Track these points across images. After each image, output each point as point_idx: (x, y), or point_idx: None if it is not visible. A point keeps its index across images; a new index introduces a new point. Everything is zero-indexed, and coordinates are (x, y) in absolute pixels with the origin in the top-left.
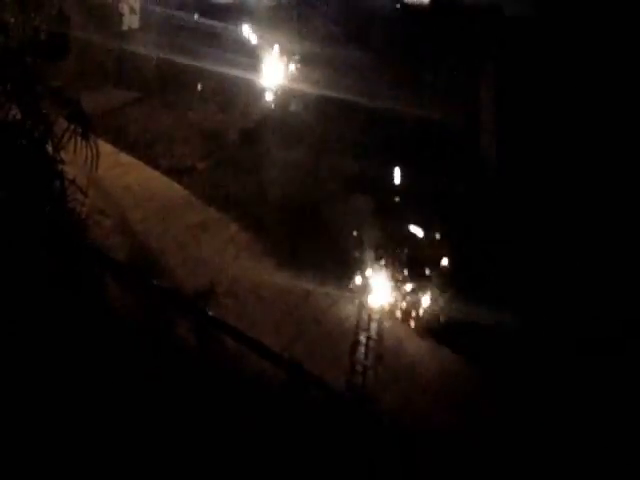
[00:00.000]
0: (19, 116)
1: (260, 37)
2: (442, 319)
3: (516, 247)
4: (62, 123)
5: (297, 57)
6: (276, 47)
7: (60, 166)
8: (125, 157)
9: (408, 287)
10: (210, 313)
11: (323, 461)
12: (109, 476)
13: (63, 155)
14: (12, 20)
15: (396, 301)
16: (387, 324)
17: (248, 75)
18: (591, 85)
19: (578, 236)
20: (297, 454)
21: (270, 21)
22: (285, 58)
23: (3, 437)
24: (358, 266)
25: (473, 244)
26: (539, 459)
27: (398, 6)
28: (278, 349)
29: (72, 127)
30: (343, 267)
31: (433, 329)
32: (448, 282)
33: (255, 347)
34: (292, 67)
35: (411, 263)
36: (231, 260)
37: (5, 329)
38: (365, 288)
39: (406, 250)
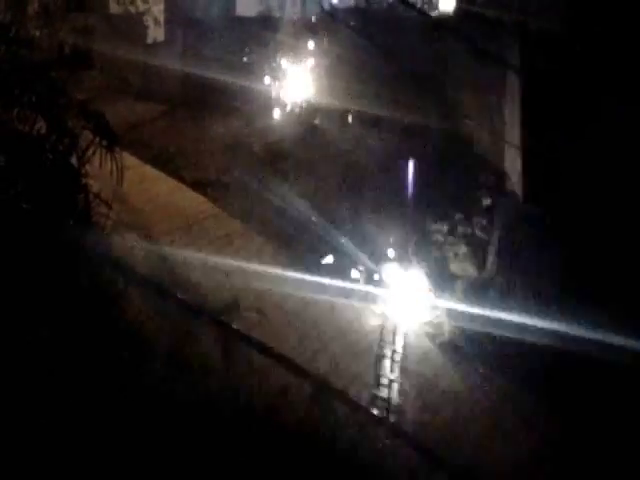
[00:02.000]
0: (44, 129)
1: (286, 50)
2: (467, 333)
3: (546, 265)
4: (87, 136)
5: (324, 71)
6: (302, 61)
7: (85, 179)
8: (150, 170)
9: (434, 300)
10: (235, 327)
11: (348, 476)
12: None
13: (88, 168)
14: (37, 34)
15: (422, 314)
16: (412, 337)
17: (274, 88)
18: (618, 102)
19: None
20: (322, 469)
21: (296, 34)
22: (311, 72)
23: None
24: (384, 279)
25: (501, 260)
26: None
27: (422, 20)
28: (302, 362)
29: (97, 140)
30: (369, 280)
31: (458, 343)
32: (475, 295)
33: (280, 360)
34: (318, 81)
35: (439, 276)
36: (256, 273)
37: (28, 342)
38: (391, 301)
39: (433, 263)
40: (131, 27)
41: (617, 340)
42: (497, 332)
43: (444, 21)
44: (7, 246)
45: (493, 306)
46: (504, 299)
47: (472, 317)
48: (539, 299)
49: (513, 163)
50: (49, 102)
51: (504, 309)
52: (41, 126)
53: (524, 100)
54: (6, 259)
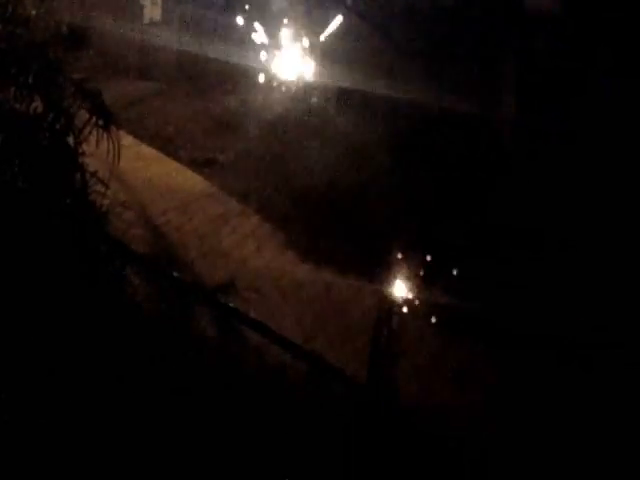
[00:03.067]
0: (41, 109)
1: (283, 30)
2: (465, 311)
3: (536, 235)
4: (83, 115)
5: (319, 50)
6: (299, 40)
7: (81, 158)
8: (146, 149)
9: (431, 279)
10: (231, 305)
11: (343, 454)
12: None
13: (84, 147)
14: (33, 13)
15: (419, 293)
16: (409, 316)
17: (270, 68)
18: (612, 82)
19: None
20: (317, 447)
21: (294, 14)
22: (307, 51)
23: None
24: (381, 258)
25: (495, 233)
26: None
27: None
28: (299, 342)
29: (93, 119)
30: (366, 259)
31: (455, 321)
32: (472, 273)
33: (276, 340)
34: (314, 60)
35: (434, 255)
36: (253, 252)
37: (24, 321)
38: (388, 280)
39: (429, 242)
40: (128, 7)
41: None
42: None
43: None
44: (3, 225)
45: None
46: None
47: None
48: None
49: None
50: (46, 81)
51: None
52: (37, 105)
53: (519, 77)
54: (2, 238)
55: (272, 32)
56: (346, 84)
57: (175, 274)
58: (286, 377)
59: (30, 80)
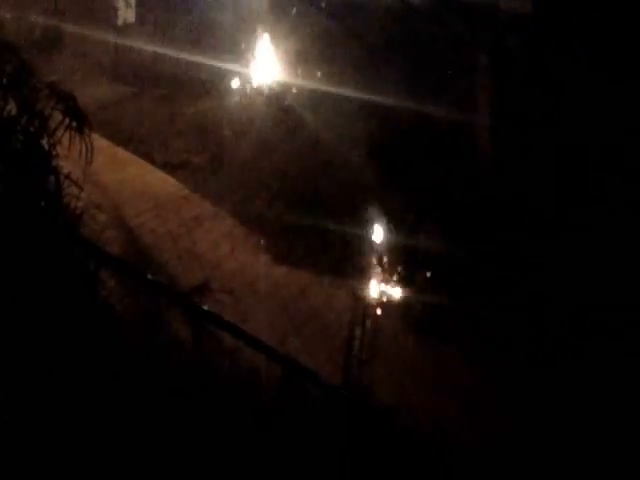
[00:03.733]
0: (14, 111)
1: (257, 32)
2: (439, 313)
3: (513, 240)
4: (57, 117)
5: (294, 52)
6: (273, 43)
7: (55, 161)
8: (120, 151)
9: (405, 281)
10: (205, 307)
11: (318, 456)
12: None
13: (58, 150)
14: (7, 15)
15: (393, 295)
16: (383, 319)
17: (245, 70)
18: (587, 83)
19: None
20: (292, 450)
21: (267, 16)
22: (282, 53)
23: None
24: (355, 261)
25: (470, 237)
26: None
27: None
28: (273, 344)
29: (67, 122)
30: (340, 261)
31: (430, 323)
32: (447, 276)
33: (250, 342)
34: (288, 62)
35: (409, 257)
36: (227, 254)
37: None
38: (362, 282)
39: (404, 244)
40: (102, 9)
41: None
42: None
43: (416, 2)
44: None
45: None
46: None
47: None
48: None
49: (484, 142)
50: (19, 84)
51: None
52: (11, 108)
53: (494, 81)
54: None
55: (247, 35)
56: (320, 87)
57: (149, 276)
58: (260, 380)
59: (4, 82)
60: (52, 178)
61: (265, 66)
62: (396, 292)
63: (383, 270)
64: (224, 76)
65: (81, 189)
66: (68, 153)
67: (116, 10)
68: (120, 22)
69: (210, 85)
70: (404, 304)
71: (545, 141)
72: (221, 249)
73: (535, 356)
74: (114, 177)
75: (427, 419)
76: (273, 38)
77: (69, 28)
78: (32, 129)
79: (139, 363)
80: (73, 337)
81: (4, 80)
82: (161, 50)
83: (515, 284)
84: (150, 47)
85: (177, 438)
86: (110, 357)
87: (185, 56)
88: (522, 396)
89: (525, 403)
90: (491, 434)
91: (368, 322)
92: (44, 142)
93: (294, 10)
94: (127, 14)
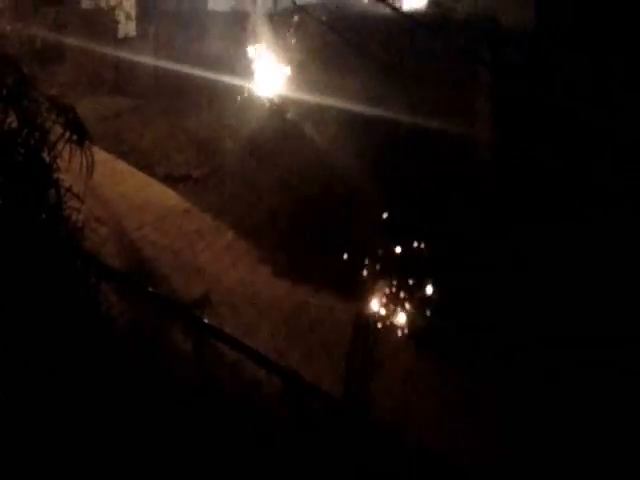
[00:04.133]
0: (15, 124)
1: (258, 45)
2: (439, 330)
3: (516, 254)
4: (58, 130)
5: (295, 66)
6: (274, 56)
7: (56, 174)
8: (121, 164)
9: (405, 296)
10: (206, 321)
11: (320, 469)
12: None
13: (59, 163)
14: (8, 28)
15: (393, 310)
16: (384, 332)
17: (245, 83)
18: (589, 95)
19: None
20: (294, 463)
21: (267, 29)
22: (283, 67)
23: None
24: (356, 274)
25: (473, 251)
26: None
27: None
28: (274, 357)
29: (68, 135)
30: (341, 275)
31: (431, 337)
32: (447, 292)
33: (251, 355)
34: (290, 76)
35: (409, 273)
36: (227, 268)
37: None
38: (363, 296)
39: (405, 259)
40: (102, 22)
41: None
42: None
43: (416, 16)
44: None
45: None
46: None
47: None
48: None
49: (486, 155)
50: (20, 96)
51: None
52: (12, 121)
53: (495, 95)
54: None
55: (248, 48)
56: (321, 100)
57: (150, 289)
58: (261, 392)
59: (4, 94)
60: (53, 191)
61: (266, 79)
62: (397, 306)
63: (384, 284)
64: (225, 89)
65: (82, 202)
66: (68, 166)
67: (117, 23)
68: (121, 35)
69: (211, 98)
70: (405, 318)
71: (543, 152)
72: (222, 262)
73: (539, 371)
74: (115, 190)
75: (429, 432)
76: (274, 51)
77: (70, 41)
78: (33, 142)
79: (140, 375)
80: (74, 349)
81: (4, 92)
82: (162, 63)
83: (517, 296)
84: (151, 60)
85: (178, 449)
86: (111, 369)
87: (186, 69)
88: (525, 410)
89: (528, 418)
90: (492, 447)
91: (369, 336)
92: (45, 155)
93: (295, 21)
94: (128, 27)
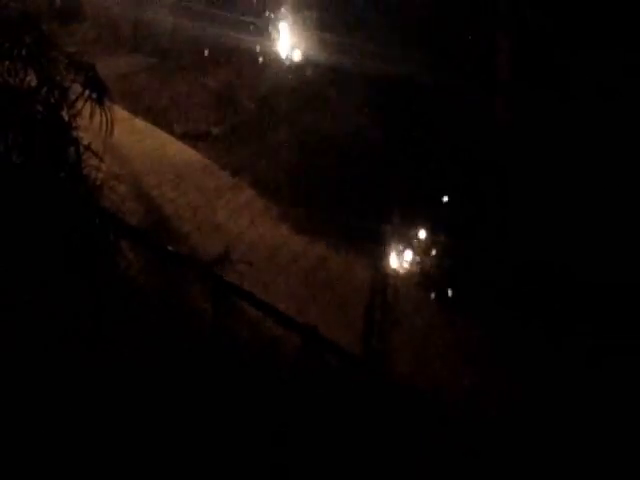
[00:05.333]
0: (34, 83)
1: (279, 3)
2: (457, 284)
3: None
4: (77, 89)
5: (309, 23)
6: (295, 14)
7: (75, 132)
8: (140, 123)
9: (424, 252)
10: (225, 278)
11: (339, 426)
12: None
13: (78, 121)
14: None
15: (412, 265)
16: (402, 288)
17: (262, 41)
18: (604, 58)
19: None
20: (312, 419)
21: None
22: (298, 25)
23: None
24: (375, 230)
25: (491, 208)
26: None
27: None
28: (293, 313)
29: (87, 93)
30: (360, 231)
31: (449, 292)
32: (465, 247)
33: (270, 312)
34: (305, 34)
35: (428, 226)
36: (246, 225)
37: (20, 293)
38: (382, 252)
39: (423, 213)
40: None
41: None
42: None
43: None
44: None
45: None
46: None
47: None
48: None
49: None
50: (39, 55)
51: None
52: (31, 79)
53: (514, 51)
54: None
55: (268, 5)
56: (338, 57)
57: (169, 247)
58: (280, 349)
59: (24, 53)
60: (72, 149)
61: (287, 37)
62: (415, 262)
63: (403, 240)
64: (245, 48)
65: (101, 160)
66: (88, 124)
67: None
68: None
69: (231, 56)
70: (423, 273)
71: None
72: (241, 220)
73: (553, 328)
74: (134, 148)
75: (445, 387)
76: (295, 9)
77: None
78: (52, 100)
79: (159, 333)
80: (92, 306)
81: (24, 51)
82: (181, 21)
83: (533, 255)
84: (170, 18)
85: (194, 407)
86: (131, 327)
87: (205, 27)
88: (536, 366)
89: (538, 373)
90: (505, 401)
91: (387, 291)
92: (64, 113)
93: None
94: None
